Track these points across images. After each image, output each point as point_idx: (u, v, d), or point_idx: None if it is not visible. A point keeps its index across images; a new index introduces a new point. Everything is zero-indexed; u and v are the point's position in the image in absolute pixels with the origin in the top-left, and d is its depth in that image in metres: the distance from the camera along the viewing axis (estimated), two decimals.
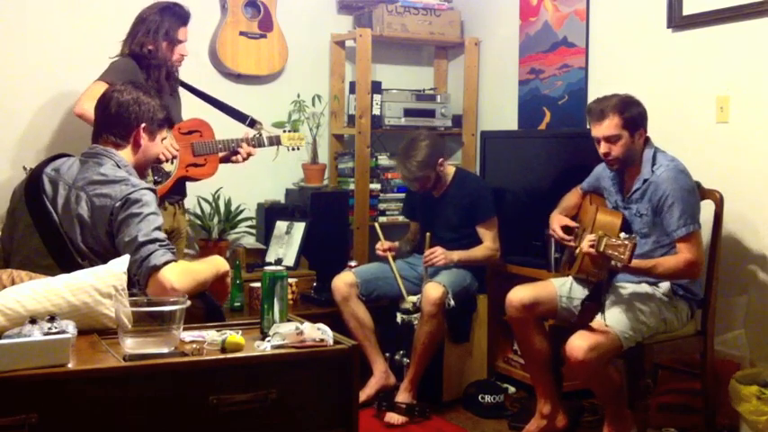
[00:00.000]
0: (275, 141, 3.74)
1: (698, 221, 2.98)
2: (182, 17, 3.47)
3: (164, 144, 2.69)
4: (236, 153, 3.57)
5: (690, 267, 2.97)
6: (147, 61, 3.37)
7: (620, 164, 3.10)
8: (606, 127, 3.04)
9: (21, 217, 2.34)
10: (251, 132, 3.68)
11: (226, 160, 3.61)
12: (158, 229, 2.21)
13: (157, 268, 2.11)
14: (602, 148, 3.08)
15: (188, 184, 3.61)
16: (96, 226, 2.23)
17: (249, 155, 3.60)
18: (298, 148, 3.93)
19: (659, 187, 2.98)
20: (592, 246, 2.86)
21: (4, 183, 3.93)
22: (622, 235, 2.80)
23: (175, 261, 2.16)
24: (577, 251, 3.08)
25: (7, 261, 2.35)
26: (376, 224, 4.11)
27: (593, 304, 2.95)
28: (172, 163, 3.37)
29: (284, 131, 3.91)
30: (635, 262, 2.84)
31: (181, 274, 2.14)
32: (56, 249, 2.24)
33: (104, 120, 2.45)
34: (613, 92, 3.13)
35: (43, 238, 2.27)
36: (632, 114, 3.03)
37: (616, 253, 2.77)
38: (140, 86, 2.53)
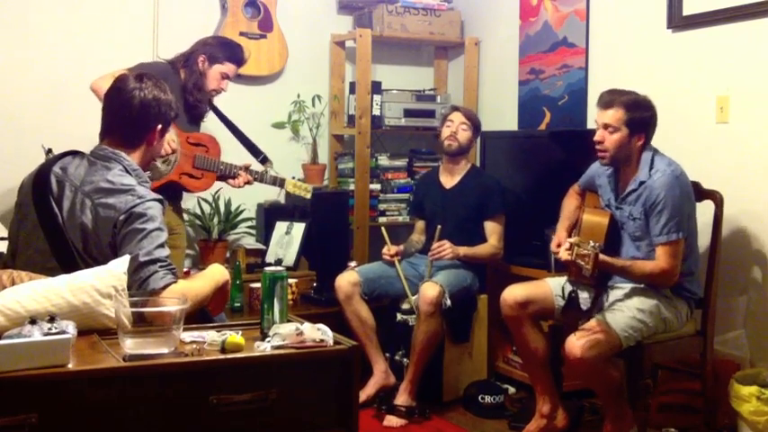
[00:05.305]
0: (279, 184, 3.75)
1: (684, 231, 2.96)
2: (238, 59, 3.64)
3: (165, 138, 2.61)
4: (235, 177, 3.59)
5: (663, 276, 2.97)
6: (185, 79, 3.51)
7: (610, 159, 3.09)
8: (608, 116, 3.04)
9: (28, 213, 2.30)
10: (257, 166, 3.72)
11: (223, 179, 3.61)
12: (161, 246, 2.17)
13: (156, 292, 2.10)
14: (597, 135, 3.08)
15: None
16: (99, 237, 2.20)
17: (247, 183, 3.62)
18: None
19: (653, 192, 2.97)
20: (568, 253, 2.87)
21: (7, 182, 3.92)
22: (591, 243, 2.81)
23: (175, 282, 2.14)
24: None
25: (14, 255, 2.33)
26: (383, 228, 4.05)
27: (573, 311, 2.98)
28: (168, 163, 3.36)
29: (293, 178, 3.88)
30: (611, 260, 2.90)
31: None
32: (60, 252, 2.21)
33: (121, 119, 2.33)
34: None
35: (48, 239, 2.23)
36: (636, 116, 3.02)
37: (582, 262, 2.79)
38: (157, 82, 2.40)
